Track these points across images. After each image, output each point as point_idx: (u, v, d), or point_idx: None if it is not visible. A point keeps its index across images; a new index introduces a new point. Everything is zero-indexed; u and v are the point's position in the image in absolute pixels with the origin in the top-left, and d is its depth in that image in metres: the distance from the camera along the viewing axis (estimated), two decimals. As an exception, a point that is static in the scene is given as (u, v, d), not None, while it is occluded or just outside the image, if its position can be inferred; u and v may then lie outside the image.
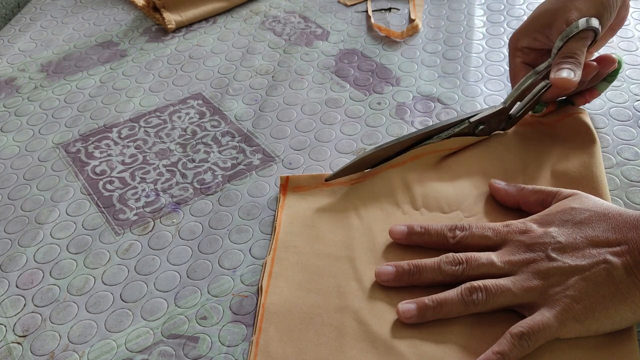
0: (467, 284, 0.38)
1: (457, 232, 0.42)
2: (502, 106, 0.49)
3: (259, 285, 0.42)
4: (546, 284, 0.37)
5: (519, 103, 0.50)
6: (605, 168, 0.49)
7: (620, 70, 0.51)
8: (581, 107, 0.53)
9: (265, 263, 0.44)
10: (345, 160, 0.52)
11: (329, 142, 0.55)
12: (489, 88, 0.60)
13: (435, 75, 0.62)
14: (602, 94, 0.57)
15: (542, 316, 0.36)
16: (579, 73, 0.46)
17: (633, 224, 0.37)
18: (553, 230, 0.39)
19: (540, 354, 0.36)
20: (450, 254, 0.40)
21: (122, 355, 0.39)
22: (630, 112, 0.55)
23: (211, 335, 0.40)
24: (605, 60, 0.50)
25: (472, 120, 0.49)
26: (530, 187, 0.45)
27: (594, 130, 0.50)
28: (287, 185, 0.49)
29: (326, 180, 0.48)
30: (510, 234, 0.41)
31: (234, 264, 0.44)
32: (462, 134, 0.50)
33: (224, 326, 0.40)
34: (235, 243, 0.46)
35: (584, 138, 0.49)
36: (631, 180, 0.49)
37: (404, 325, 0.39)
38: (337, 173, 0.48)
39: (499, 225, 0.42)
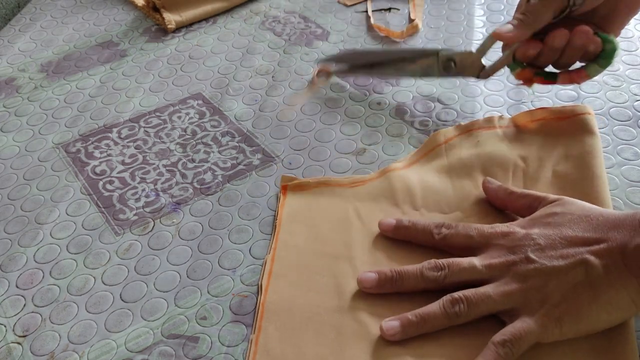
0: (448, 296, 0.38)
1: (443, 230, 0.42)
2: (473, 50, 0.52)
3: (259, 284, 0.42)
4: (525, 287, 0.37)
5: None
6: (605, 168, 0.49)
7: (614, 54, 0.48)
8: (588, 108, 0.52)
9: (265, 262, 0.44)
10: (346, 161, 0.52)
11: (329, 142, 0.55)
12: (489, 88, 0.60)
13: (435, 75, 0.62)
14: (604, 95, 0.57)
15: (523, 322, 0.36)
16: (525, 32, 0.47)
17: (614, 223, 0.37)
18: (534, 232, 0.39)
19: (537, 357, 0.36)
20: (433, 260, 0.40)
21: (122, 355, 0.39)
22: (630, 112, 0.55)
23: (211, 335, 0.40)
24: (579, 32, 0.46)
25: (441, 54, 0.50)
26: (519, 191, 0.44)
27: (597, 132, 0.50)
28: (288, 185, 0.49)
29: (318, 63, 0.49)
30: (493, 236, 0.41)
31: (234, 264, 0.44)
32: (428, 65, 0.51)
33: (224, 326, 0.40)
34: (235, 243, 0.46)
35: (586, 138, 0.49)
36: (631, 180, 0.49)
37: None
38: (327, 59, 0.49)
39: (484, 227, 0.42)
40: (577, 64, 0.50)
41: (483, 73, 0.52)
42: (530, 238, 0.39)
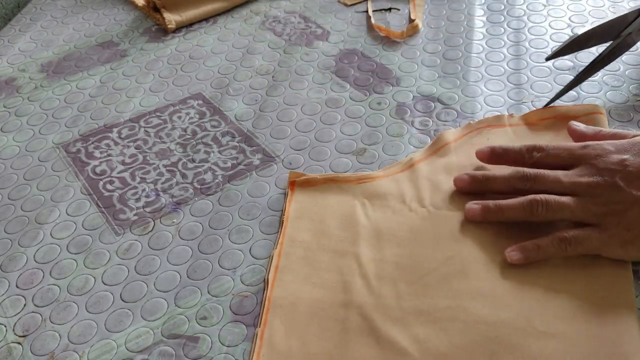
0: (531, 196, 0.40)
1: (535, 154, 0.44)
2: None
3: (265, 278, 0.42)
4: (605, 210, 0.39)
5: None
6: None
7: None
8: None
9: (272, 256, 0.44)
10: (345, 161, 0.52)
11: (329, 142, 0.55)
12: (489, 88, 0.60)
13: (435, 76, 0.62)
14: (604, 95, 0.57)
15: (591, 231, 0.38)
16: None
17: None
18: (628, 159, 0.40)
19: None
20: (522, 170, 0.42)
21: (122, 355, 0.39)
22: (630, 112, 0.55)
23: (211, 335, 0.40)
24: None
25: None
26: (607, 130, 0.45)
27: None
28: (296, 181, 0.49)
29: (546, 59, 0.50)
30: (585, 156, 0.42)
31: (234, 264, 0.44)
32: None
33: (224, 326, 0.40)
34: (235, 243, 0.46)
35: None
36: (631, 180, 0.49)
37: (407, 321, 0.39)
38: (556, 52, 0.48)
39: (576, 146, 0.43)
40: None
41: None
42: (622, 164, 0.39)
